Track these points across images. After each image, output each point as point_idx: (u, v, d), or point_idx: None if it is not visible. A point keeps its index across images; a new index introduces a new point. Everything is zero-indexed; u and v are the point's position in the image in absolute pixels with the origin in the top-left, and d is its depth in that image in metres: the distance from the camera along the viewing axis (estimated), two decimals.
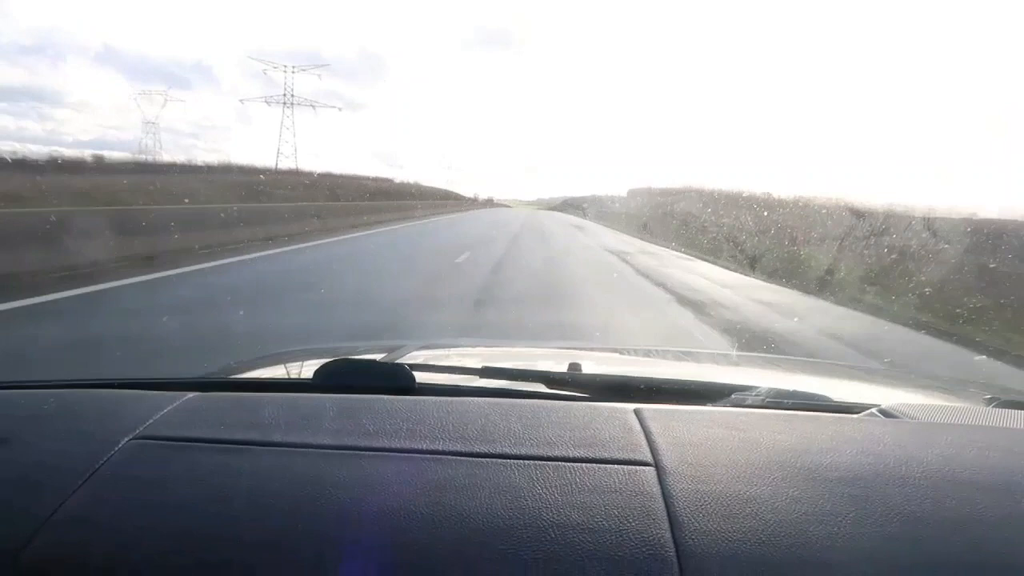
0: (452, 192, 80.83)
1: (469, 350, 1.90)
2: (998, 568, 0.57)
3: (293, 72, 70.07)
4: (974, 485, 0.67)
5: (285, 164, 60.40)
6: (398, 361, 1.23)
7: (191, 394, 0.87)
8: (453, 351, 1.80)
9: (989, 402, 1.17)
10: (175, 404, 0.82)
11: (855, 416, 0.98)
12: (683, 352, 2.33)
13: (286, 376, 1.29)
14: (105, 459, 0.70)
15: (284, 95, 69.02)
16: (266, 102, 70.68)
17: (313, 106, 70.92)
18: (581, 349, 1.98)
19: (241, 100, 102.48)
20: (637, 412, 0.81)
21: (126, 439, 0.73)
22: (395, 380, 1.00)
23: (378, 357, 1.48)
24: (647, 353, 2.05)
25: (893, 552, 0.57)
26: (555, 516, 0.60)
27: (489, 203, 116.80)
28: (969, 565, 0.56)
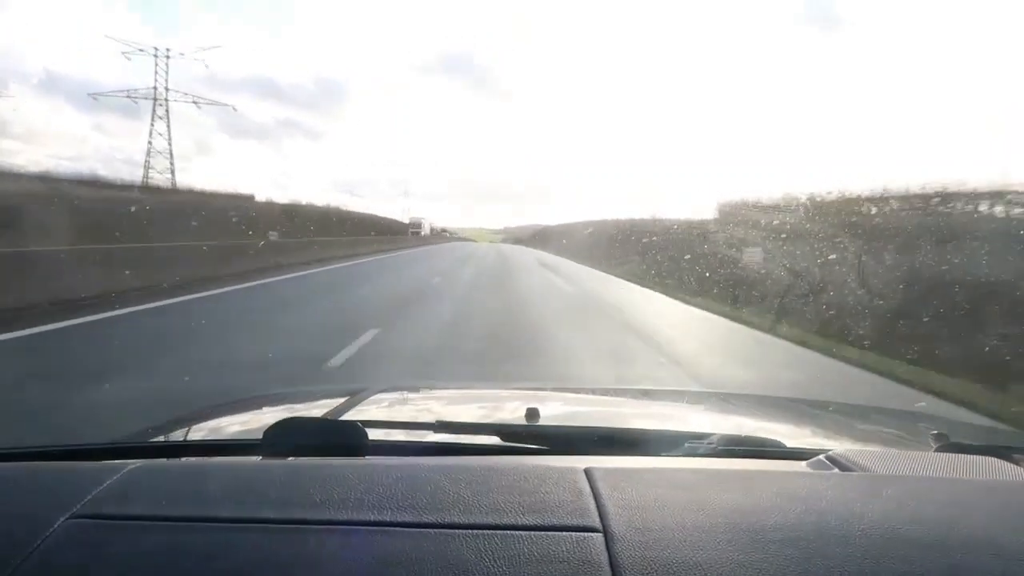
0: (398, 223, 65.00)
1: (428, 394, 1.89)
2: None
3: (167, 58, 50.01)
4: (911, 542, 0.68)
5: (170, 182, 44.69)
6: (350, 418, 1.22)
7: (133, 463, 0.85)
8: (411, 397, 1.79)
9: (936, 440, 1.20)
10: (115, 477, 0.79)
11: (804, 466, 1.01)
12: (641, 391, 2.35)
13: (233, 436, 1.26)
14: (38, 542, 0.67)
15: (155, 88, 49.91)
16: (129, 97, 51.32)
17: (196, 103, 53.09)
18: (541, 390, 1.98)
19: (93, 95, 59.06)
20: (588, 472, 0.82)
21: (62, 518, 0.70)
22: (346, 439, 1.00)
23: (334, 405, 1.46)
24: (605, 393, 2.07)
25: None
26: None
27: (442, 236, 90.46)
28: None
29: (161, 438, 1.24)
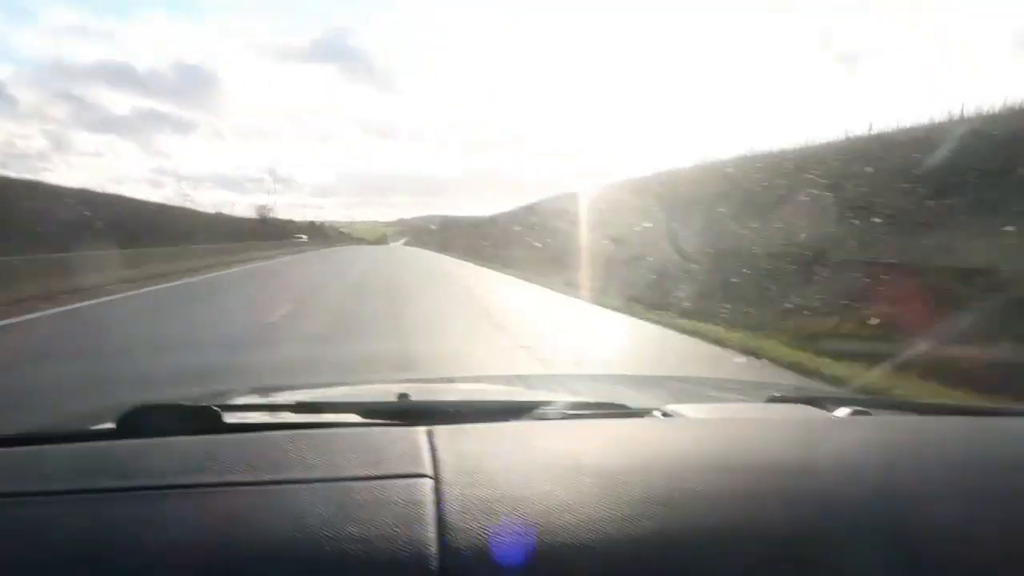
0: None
1: (296, 390, 1.87)
2: (749, 535, 0.66)
3: None
4: (747, 469, 0.77)
5: None
6: (206, 403, 1.21)
7: None
8: (277, 389, 1.76)
9: (770, 400, 1.34)
10: None
11: (642, 419, 1.10)
12: (515, 377, 2.43)
13: (86, 427, 1.21)
14: None
15: None
16: None
17: None
18: (412, 382, 2.00)
19: None
20: (429, 432, 0.87)
21: None
22: (201, 421, 0.99)
23: (195, 395, 1.42)
24: (476, 381, 2.12)
25: (631, 532, 0.65)
26: (332, 532, 0.64)
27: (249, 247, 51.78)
28: (713, 531, 0.66)
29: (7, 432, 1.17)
